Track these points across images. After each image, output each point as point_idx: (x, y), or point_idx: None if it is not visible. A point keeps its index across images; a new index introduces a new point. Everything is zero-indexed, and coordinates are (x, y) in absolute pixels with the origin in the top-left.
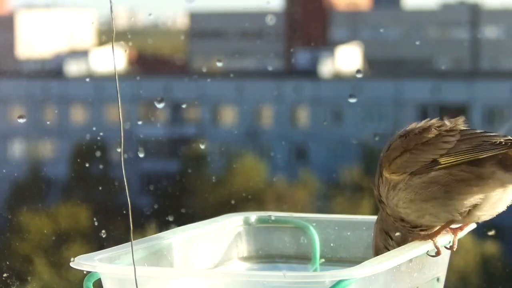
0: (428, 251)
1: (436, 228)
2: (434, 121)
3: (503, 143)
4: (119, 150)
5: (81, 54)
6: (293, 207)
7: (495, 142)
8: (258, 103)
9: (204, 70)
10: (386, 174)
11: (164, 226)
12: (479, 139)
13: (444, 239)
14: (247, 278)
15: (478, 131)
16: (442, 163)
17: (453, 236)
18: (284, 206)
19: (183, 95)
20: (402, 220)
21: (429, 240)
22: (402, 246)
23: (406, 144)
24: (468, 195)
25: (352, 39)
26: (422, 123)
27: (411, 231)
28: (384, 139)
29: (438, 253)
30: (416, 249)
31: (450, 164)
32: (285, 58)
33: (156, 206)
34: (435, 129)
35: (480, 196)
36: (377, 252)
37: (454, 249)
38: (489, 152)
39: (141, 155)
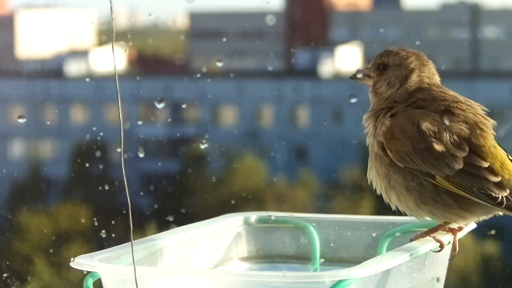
0: (431, 249)
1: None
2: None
3: (499, 201)
4: (119, 150)
5: (81, 54)
6: (293, 207)
7: (492, 195)
8: (258, 103)
9: (204, 70)
10: (385, 143)
11: (164, 226)
12: (479, 183)
13: (445, 239)
14: (247, 278)
15: (484, 166)
16: (438, 182)
17: (452, 236)
18: (284, 206)
19: (183, 95)
20: None
21: (428, 236)
22: (402, 246)
23: (416, 137)
24: (443, 217)
25: (352, 39)
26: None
27: None
28: None
29: (442, 246)
30: (417, 249)
31: (443, 187)
32: (285, 58)
33: (156, 206)
34: (448, 138)
35: (458, 218)
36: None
37: (456, 251)
38: (485, 203)
39: (141, 155)
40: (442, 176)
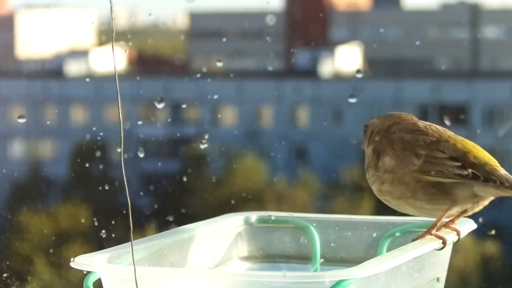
0: (434, 248)
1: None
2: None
3: (470, 176)
4: (119, 150)
5: (81, 54)
6: (293, 207)
7: (461, 174)
8: (258, 103)
9: (204, 70)
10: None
11: (164, 226)
12: (442, 167)
13: (448, 237)
14: (247, 278)
15: (445, 156)
16: (413, 176)
17: (457, 237)
18: (284, 206)
19: (183, 95)
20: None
21: (428, 235)
22: (403, 247)
23: (397, 145)
24: (434, 207)
25: (352, 39)
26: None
27: None
28: None
29: (444, 243)
30: (417, 249)
31: (424, 179)
32: (285, 58)
33: (156, 206)
34: (415, 143)
35: (449, 204)
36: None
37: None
38: (454, 179)
39: (141, 155)
40: (414, 170)
